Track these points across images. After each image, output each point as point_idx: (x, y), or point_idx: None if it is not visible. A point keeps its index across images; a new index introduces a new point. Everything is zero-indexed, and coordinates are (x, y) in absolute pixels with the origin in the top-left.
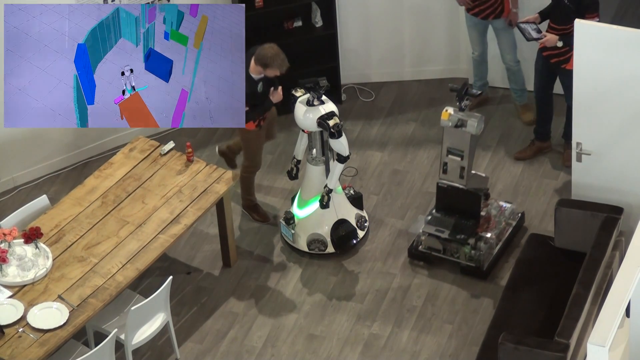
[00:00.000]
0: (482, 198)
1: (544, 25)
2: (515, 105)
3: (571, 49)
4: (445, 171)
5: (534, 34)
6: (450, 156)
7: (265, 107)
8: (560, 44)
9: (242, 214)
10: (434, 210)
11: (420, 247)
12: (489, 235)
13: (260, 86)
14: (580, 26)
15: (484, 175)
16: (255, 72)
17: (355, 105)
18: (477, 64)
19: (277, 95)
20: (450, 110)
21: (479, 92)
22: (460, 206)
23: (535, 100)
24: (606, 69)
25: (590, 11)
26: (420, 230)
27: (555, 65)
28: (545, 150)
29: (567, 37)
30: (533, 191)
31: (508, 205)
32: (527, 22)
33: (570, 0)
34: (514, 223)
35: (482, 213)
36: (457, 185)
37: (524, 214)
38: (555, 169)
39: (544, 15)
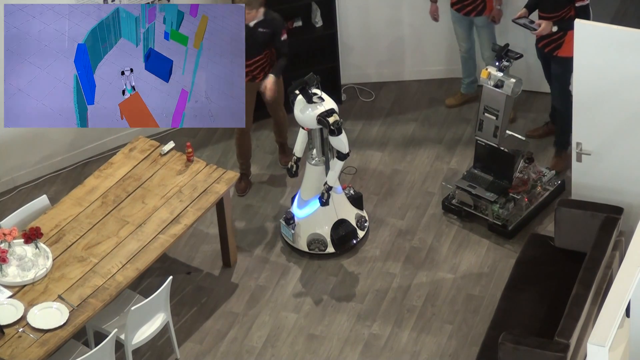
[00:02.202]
0: (518, 160)
1: (535, 18)
2: None
3: (565, 35)
4: (480, 128)
5: (530, 26)
6: (486, 114)
7: None
8: (555, 28)
9: (242, 214)
10: (471, 167)
11: (454, 200)
12: (519, 197)
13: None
14: (580, 26)
15: (523, 138)
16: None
17: (355, 105)
18: (464, 60)
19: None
20: (492, 69)
21: (519, 54)
22: (495, 165)
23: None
24: (606, 69)
25: None
26: (455, 184)
27: (549, 54)
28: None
29: (560, 22)
30: None
31: (549, 171)
32: (519, 17)
33: None
34: (551, 189)
35: (519, 175)
36: (491, 143)
37: (564, 181)
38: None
39: (530, 7)
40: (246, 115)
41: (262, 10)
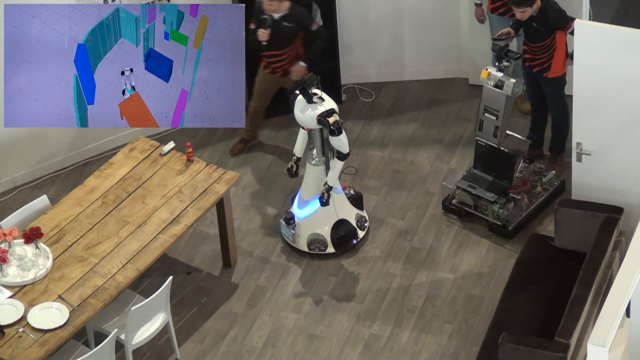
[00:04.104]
0: (518, 160)
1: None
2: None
3: (551, 58)
4: (480, 128)
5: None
6: (486, 114)
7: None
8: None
9: (242, 214)
10: (471, 167)
11: (454, 200)
12: (519, 197)
13: (268, 20)
14: (581, 26)
15: (523, 138)
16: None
17: (355, 105)
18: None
19: (261, 34)
20: (492, 69)
21: (519, 54)
22: (495, 165)
23: (530, 106)
24: (606, 69)
25: (561, 26)
26: (455, 185)
27: (538, 75)
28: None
29: (544, 48)
30: None
31: (549, 171)
32: (501, 34)
33: (538, 22)
34: (551, 189)
35: (519, 175)
36: (491, 143)
37: (564, 182)
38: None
39: (515, 27)
40: (264, 96)
41: (286, 4)
